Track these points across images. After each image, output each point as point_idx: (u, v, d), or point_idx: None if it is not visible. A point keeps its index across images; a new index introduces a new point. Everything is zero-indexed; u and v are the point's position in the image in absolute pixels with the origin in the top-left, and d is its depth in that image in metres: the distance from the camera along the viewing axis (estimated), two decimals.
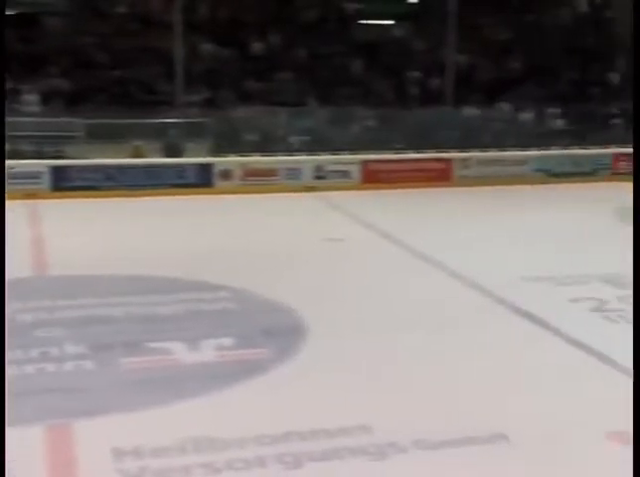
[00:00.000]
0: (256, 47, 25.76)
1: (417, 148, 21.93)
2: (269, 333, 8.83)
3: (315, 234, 14.91)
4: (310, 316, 9.38)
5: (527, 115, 22.93)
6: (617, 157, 21.50)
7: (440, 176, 21.22)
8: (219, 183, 20.19)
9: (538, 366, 8.11)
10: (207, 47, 25.28)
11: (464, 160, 21.38)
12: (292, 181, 20.59)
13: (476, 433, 6.33)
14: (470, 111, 23.08)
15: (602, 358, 8.35)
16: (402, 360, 8.10)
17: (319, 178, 20.78)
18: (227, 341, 8.52)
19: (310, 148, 21.84)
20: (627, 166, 21.51)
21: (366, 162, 21.24)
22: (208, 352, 8.22)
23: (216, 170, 20.31)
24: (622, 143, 21.57)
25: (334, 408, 6.83)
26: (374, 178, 21.05)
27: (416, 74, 25.43)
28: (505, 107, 23.22)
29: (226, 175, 20.26)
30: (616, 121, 22.84)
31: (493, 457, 6.07)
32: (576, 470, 6.08)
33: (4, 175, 15.12)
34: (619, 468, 5.91)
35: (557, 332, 9.14)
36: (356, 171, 21.07)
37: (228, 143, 21.57)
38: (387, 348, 8.39)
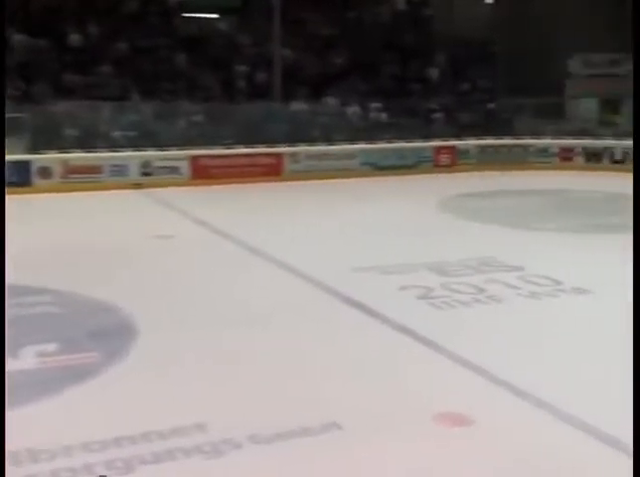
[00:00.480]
0: (74, 38, 24.77)
1: (247, 143, 21.98)
2: (97, 335, 8.54)
3: (143, 231, 14.59)
4: (139, 315, 9.16)
5: (352, 110, 23.58)
6: (438, 150, 22.56)
7: (271, 171, 21.40)
8: (38, 181, 19.28)
9: (367, 353, 8.35)
10: (19, 37, 24.02)
11: (294, 154, 21.69)
12: (118, 178, 20.03)
13: (309, 424, 6.43)
14: (298, 106, 23.43)
15: (427, 342, 8.73)
16: (232, 355, 8.08)
17: (146, 174, 20.35)
18: (50, 347, 8.14)
19: (136, 144, 21.32)
20: (447, 159, 22.68)
21: (195, 158, 21.03)
22: (28, 359, 7.81)
23: (34, 168, 19.39)
24: (443, 137, 22.71)
25: (167, 409, 6.71)
26: (204, 174, 20.88)
27: (243, 68, 25.47)
28: (331, 102, 23.74)
29: (45, 173, 19.37)
30: (437, 116, 23.96)
31: (327, 446, 6.19)
32: (406, 452, 6.33)
33: (4, 174, 13.84)
34: (446, 448, 6.22)
35: (385, 319, 9.46)
36: (185, 167, 20.81)
37: (46, 139, 20.62)
38: (215, 344, 8.34)
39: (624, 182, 19.66)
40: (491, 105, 24.69)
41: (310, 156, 21.70)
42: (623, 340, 8.93)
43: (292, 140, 22.09)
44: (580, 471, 6.05)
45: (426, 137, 22.80)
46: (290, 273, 11.50)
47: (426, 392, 7.38)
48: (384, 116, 23.42)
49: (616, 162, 21.95)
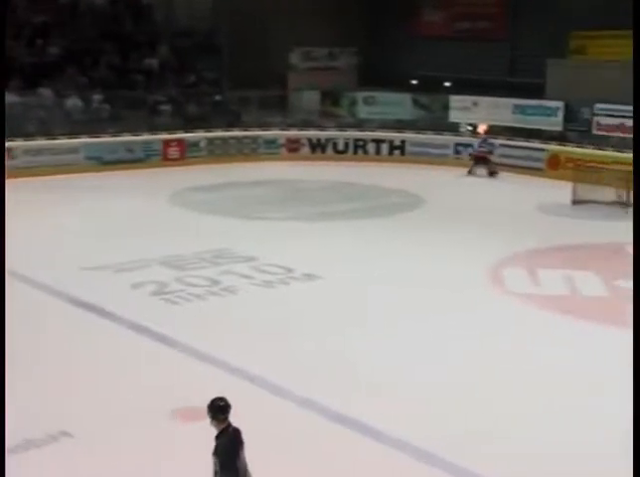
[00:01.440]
0: None
1: None
2: None
3: None
4: None
5: (72, 102, 22.60)
6: (167, 143, 22.37)
7: None
8: None
9: (98, 355, 8.09)
10: None
11: (9, 150, 20.32)
12: None
13: (37, 435, 6.10)
14: (10, 98, 21.97)
15: (162, 338, 8.66)
16: None
17: None
18: None
19: None
20: (176, 152, 22.57)
21: None
22: None
23: None
24: (170, 129, 22.54)
25: None
26: None
27: None
28: (46, 93, 22.56)
29: None
30: (163, 108, 23.72)
31: (59, 455, 5.91)
32: (143, 452, 6.22)
33: (4, 173, 12.43)
34: (187, 443, 6.20)
35: (117, 319, 9.23)
36: None
37: None
38: None
39: (348, 171, 20.95)
40: (218, 97, 24.95)
41: (28, 151, 20.48)
42: (352, 319, 9.53)
43: (6, 135, 20.68)
44: (314, 443, 6.38)
45: (153, 130, 22.51)
46: (14, 279, 10.77)
47: (162, 389, 7.31)
48: (106, 109, 22.73)
49: (339, 152, 23.29)
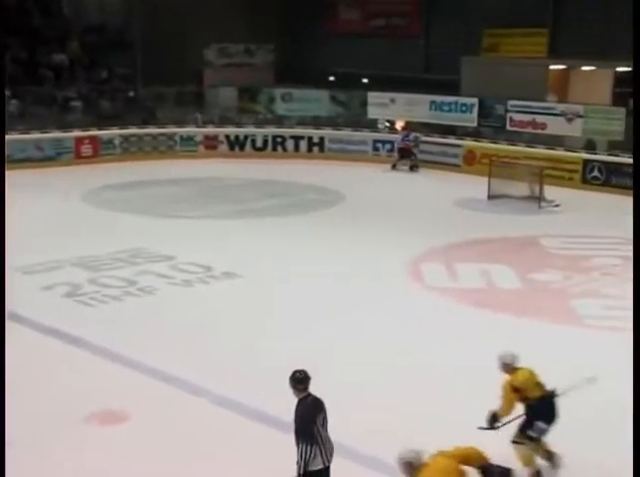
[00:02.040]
0: None
1: None
2: None
3: None
4: None
5: None
6: (79, 141, 21.91)
7: None
8: None
9: (11, 362, 7.88)
10: None
11: None
12: None
13: None
14: None
15: (75, 341, 8.50)
16: None
17: None
18: None
19: None
20: (89, 149, 22.13)
21: None
22: None
23: None
24: (82, 126, 22.08)
25: None
26: None
27: None
28: None
29: None
30: (75, 104, 23.21)
31: None
32: (69, 457, 6.12)
33: (4, 173, 10.99)
34: (106, 445, 6.12)
35: (27, 322, 9.02)
36: None
37: None
38: None
39: (267, 168, 20.92)
40: (131, 94, 24.56)
41: None
42: (271, 317, 9.56)
43: None
44: (241, 447, 6.38)
45: (65, 127, 22.02)
46: None
47: (79, 393, 7.19)
48: (14, 105, 22.11)
49: (258, 149, 23.23)
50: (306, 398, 5.37)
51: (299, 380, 5.38)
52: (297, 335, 8.96)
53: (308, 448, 5.19)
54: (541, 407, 6.00)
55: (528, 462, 6.04)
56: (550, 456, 6.11)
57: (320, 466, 5.25)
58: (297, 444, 5.24)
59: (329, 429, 5.33)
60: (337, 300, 10.23)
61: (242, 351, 8.45)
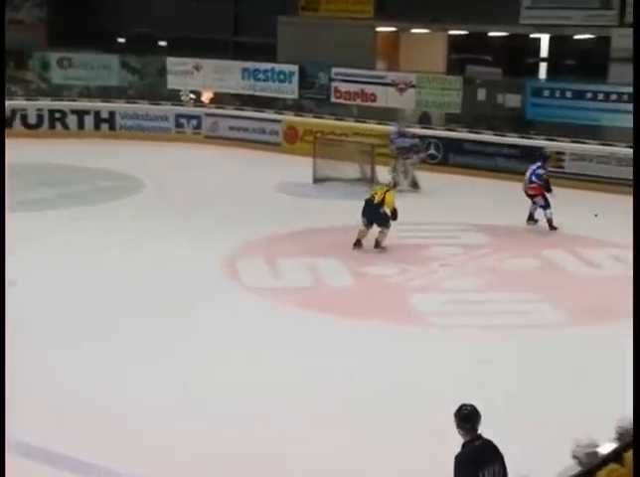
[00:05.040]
0: None
1: None
2: None
3: None
4: None
5: None
6: None
7: None
8: None
9: None
10: None
11: None
12: None
13: None
14: None
15: None
16: None
17: None
18: None
19: None
20: None
21: None
22: None
23: None
24: None
25: None
26: None
27: None
28: None
29: None
30: None
31: None
32: None
33: (4, 172, 9.08)
34: None
35: None
36: None
37: None
38: None
39: (44, 149, 20.02)
40: None
41: None
42: (66, 329, 9.33)
43: None
44: None
45: None
46: None
47: None
48: None
49: (31, 126, 22.22)
50: (474, 442, 4.90)
51: (466, 417, 4.93)
52: (94, 352, 8.84)
53: None
54: None
55: None
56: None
57: None
58: None
59: None
60: (140, 307, 10.14)
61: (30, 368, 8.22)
